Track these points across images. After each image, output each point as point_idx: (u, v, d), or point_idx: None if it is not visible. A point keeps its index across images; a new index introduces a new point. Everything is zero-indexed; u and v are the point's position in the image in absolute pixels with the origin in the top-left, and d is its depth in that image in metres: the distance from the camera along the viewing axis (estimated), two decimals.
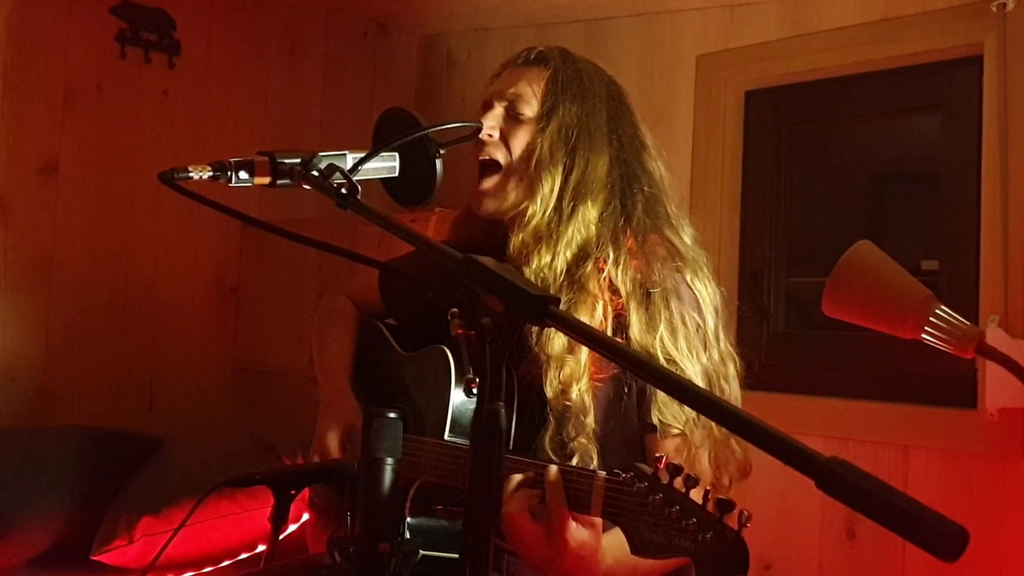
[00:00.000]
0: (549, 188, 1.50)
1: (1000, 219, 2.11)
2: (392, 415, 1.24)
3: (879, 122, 2.58)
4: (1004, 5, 2.12)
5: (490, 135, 1.55)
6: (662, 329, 1.42)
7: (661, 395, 1.41)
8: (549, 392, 1.40)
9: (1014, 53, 2.12)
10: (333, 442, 1.55)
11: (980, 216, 2.17)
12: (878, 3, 2.38)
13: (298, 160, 1.20)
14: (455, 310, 1.16)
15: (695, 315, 1.46)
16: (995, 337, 2.01)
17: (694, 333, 1.45)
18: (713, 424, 1.41)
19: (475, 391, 1.38)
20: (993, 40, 2.15)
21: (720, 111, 2.66)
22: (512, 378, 1.41)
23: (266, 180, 1.20)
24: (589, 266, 1.46)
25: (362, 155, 1.26)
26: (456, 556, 1.37)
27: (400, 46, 3.49)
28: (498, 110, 1.57)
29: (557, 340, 1.41)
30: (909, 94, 2.41)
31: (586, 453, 1.38)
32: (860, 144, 2.67)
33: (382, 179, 1.34)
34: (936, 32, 2.27)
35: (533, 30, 3.04)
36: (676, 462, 1.39)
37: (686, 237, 1.55)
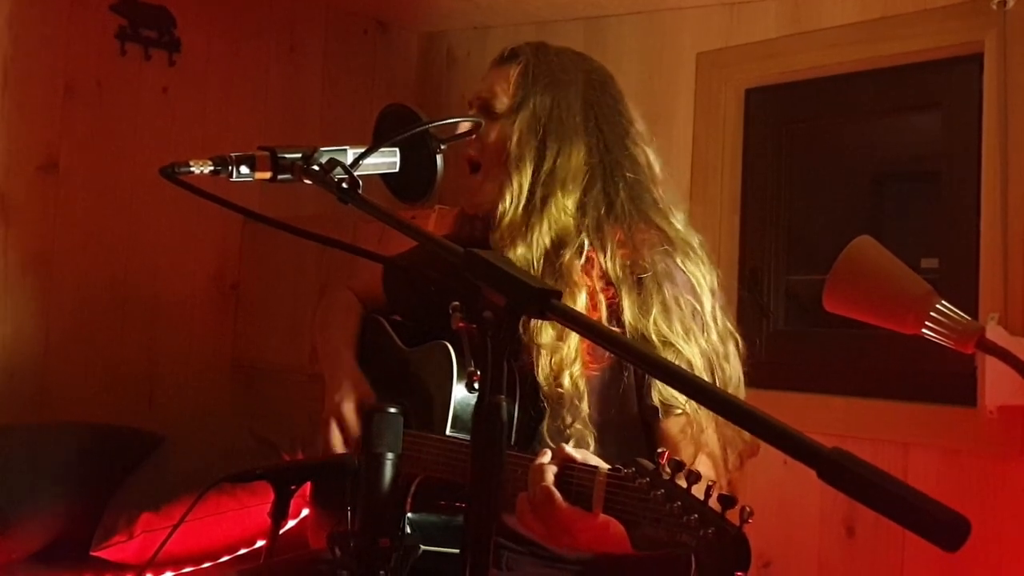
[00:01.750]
0: (519, 183, 1.52)
1: (1000, 217, 2.11)
2: (393, 410, 1.24)
3: (879, 120, 2.58)
4: (1004, 3, 2.12)
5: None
6: (655, 312, 1.42)
7: None
8: (541, 379, 1.41)
9: (1014, 51, 2.12)
10: (350, 411, 1.55)
11: (980, 214, 2.17)
12: (878, 1, 2.38)
13: (299, 155, 1.20)
14: (456, 304, 1.17)
15: (690, 297, 1.46)
16: (995, 335, 2.01)
17: (690, 315, 1.45)
18: None
19: (477, 385, 1.39)
20: (993, 38, 2.15)
21: (720, 109, 2.66)
22: (513, 371, 1.41)
23: (267, 175, 1.21)
24: (568, 255, 1.47)
25: (363, 150, 1.26)
26: (457, 551, 1.37)
27: (400, 44, 3.49)
28: (473, 111, 1.61)
29: (547, 329, 1.42)
30: (909, 92, 2.41)
31: (582, 440, 1.38)
32: (860, 142, 2.67)
33: (383, 175, 1.34)
34: (936, 30, 2.27)
35: (533, 28, 3.04)
36: (683, 441, 1.39)
37: (676, 222, 1.55)
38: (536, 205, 1.51)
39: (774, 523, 2.36)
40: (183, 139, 2.99)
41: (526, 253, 1.48)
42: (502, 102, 1.57)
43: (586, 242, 1.48)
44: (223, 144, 2.97)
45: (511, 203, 1.51)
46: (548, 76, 1.57)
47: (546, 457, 1.20)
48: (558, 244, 1.49)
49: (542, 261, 1.48)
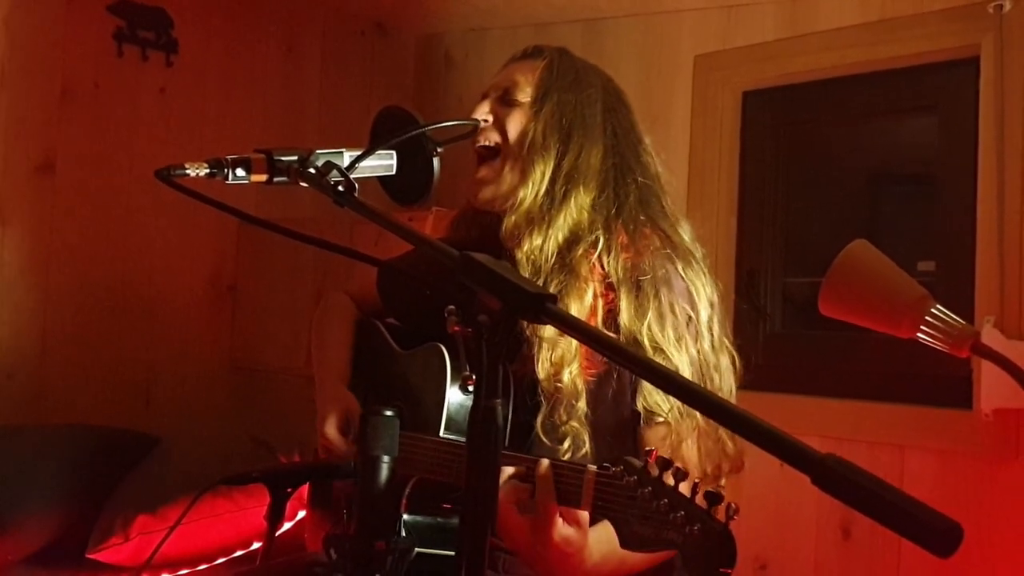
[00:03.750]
0: (541, 172, 1.52)
1: (996, 220, 2.11)
2: (388, 413, 1.24)
3: (876, 123, 2.59)
4: (1001, 7, 2.13)
5: (485, 120, 1.58)
6: (650, 316, 1.42)
7: (646, 383, 1.42)
8: (541, 373, 1.41)
9: (1010, 54, 2.12)
10: (332, 428, 1.54)
11: (976, 217, 2.17)
12: (875, 4, 2.38)
13: (295, 158, 1.20)
14: (452, 307, 1.17)
15: (686, 305, 1.47)
16: (991, 338, 2.01)
17: (683, 323, 1.45)
18: (699, 414, 1.41)
19: (471, 388, 1.39)
20: (990, 41, 2.16)
21: (717, 111, 2.67)
22: (508, 374, 1.41)
23: (263, 177, 1.21)
24: (580, 251, 1.48)
25: (359, 153, 1.26)
26: (452, 553, 1.37)
27: (398, 45, 3.49)
28: (491, 98, 1.60)
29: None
30: (906, 95, 2.41)
31: (578, 437, 1.39)
32: (857, 145, 2.68)
33: (379, 177, 1.34)
34: (933, 33, 2.27)
35: (531, 30, 3.05)
36: (661, 450, 1.40)
37: (682, 232, 1.56)
38: (557, 197, 1.51)
39: (770, 526, 2.36)
40: (180, 140, 2.99)
41: (542, 244, 1.48)
42: (525, 92, 1.57)
43: (600, 240, 1.48)
44: (220, 145, 2.96)
45: (532, 190, 1.51)
46: (572, 75, 1.59)
47: (504, 475, 1.21)
48: (571, 240, 1.49)
49: (555, 255, 1.48)
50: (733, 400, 1.52)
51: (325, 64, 3.34)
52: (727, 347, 1.51)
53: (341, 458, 1.53)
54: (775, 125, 2.64)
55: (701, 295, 1.49)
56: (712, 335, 1.49)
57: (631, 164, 1.57)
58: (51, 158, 2.78)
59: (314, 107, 3.32)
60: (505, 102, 1.58)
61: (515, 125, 1.56)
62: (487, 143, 1.59)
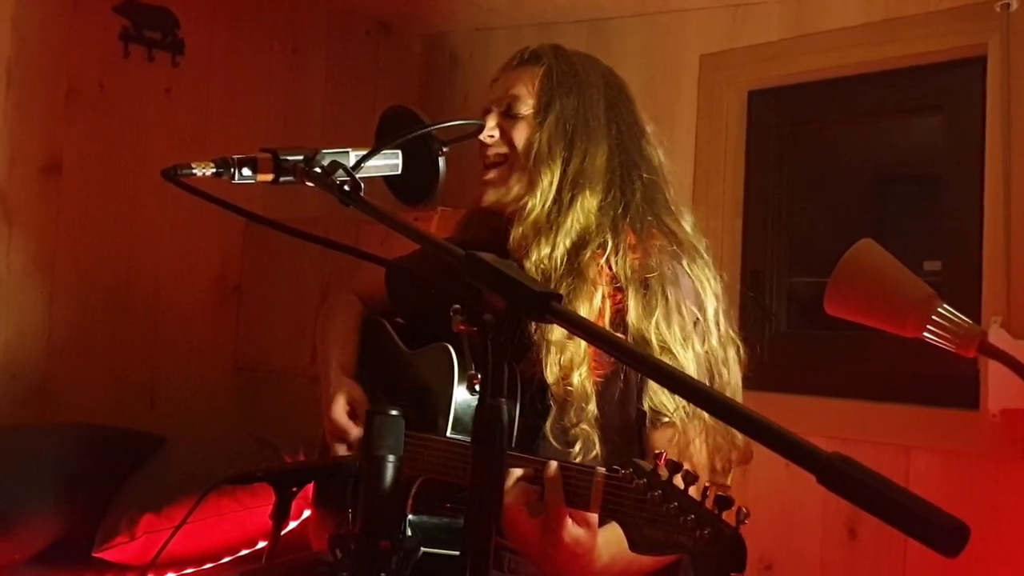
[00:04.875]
0: (548, 181, 1.53)
1: (1003, 220, 2.10)
2: (394, 412, 1.24)
3: (882, 122, 2.58)
4: (1008, 5, 2.12)
5: (492, 136, 1.59)
6: (657, 315, 1.43)
7: (653, 384, 1.42)
8: (550, 377, 1.41)
9: (1017, 54, 2.11)
10: (340, 412, 1.55)
11: (983, 217, 2.16)
12: (881, 3, 2.38)
13: (301, 157, 1.20)
14: (457, 306, 1.17)
15: (693, 306, 1.47)
16: (998, 338, 2.01)
17: (691, 323, 1.46)
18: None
19: (478, 387, 1.39)
20: (996, 41, 2.15)
21: (723, 111, 2.66)
22: (515, 374, 1.41)
23: (269, 177, 1.21)
24: (588, 254, 1.49)
25: (365, 152, 1.26)
26: (457, 553, 1.37)
27: (403, 45, 3.49)
28: (495, 112, 1.61)
29: (557, 326, 1.42)
30: (912, 94, 2.41)
31: (588, 439, 1.39)
32: (863, 144, 2.67)
33: (385, 177, 1.34)
34: (939, 32, 2.27)
35: (535, 29, 3.04)
36: (669, 452, 1.40)
37: (685, 224, 1.57)
38: (564, 204, 1.52)
39: (776, 525, 2.36)
40: (186, 141, 2.99)
41: (551, 253, 1.49)
42: (527, 104, 1.58)
43: (609, 242, 1.49)
44: (225, 145, 2.96)
45: (540, 200, 1.52)
46: (572, 78, 1.59)
47: (513, 477, 1.21)
48: (579, 243, 1.50)
49: (564, 259, 1.49)
50: (740, 392, 1.53)
51: (330, 64, 3.34)
52: (733, 340, 1.52)
53: (349, 443, 1.53)
54: (780, 125, 2.63)
55: (707, 290, 1.50)
56: (719, 329, 1.50)
57: (636, 160, 1.58)
58: (57, 159, 2.79)
59: (319, 107, 3.32)
60: (509, 116, 1.59)
61: (521, 136, 1.57)
62: (495, 156, 1.60)
